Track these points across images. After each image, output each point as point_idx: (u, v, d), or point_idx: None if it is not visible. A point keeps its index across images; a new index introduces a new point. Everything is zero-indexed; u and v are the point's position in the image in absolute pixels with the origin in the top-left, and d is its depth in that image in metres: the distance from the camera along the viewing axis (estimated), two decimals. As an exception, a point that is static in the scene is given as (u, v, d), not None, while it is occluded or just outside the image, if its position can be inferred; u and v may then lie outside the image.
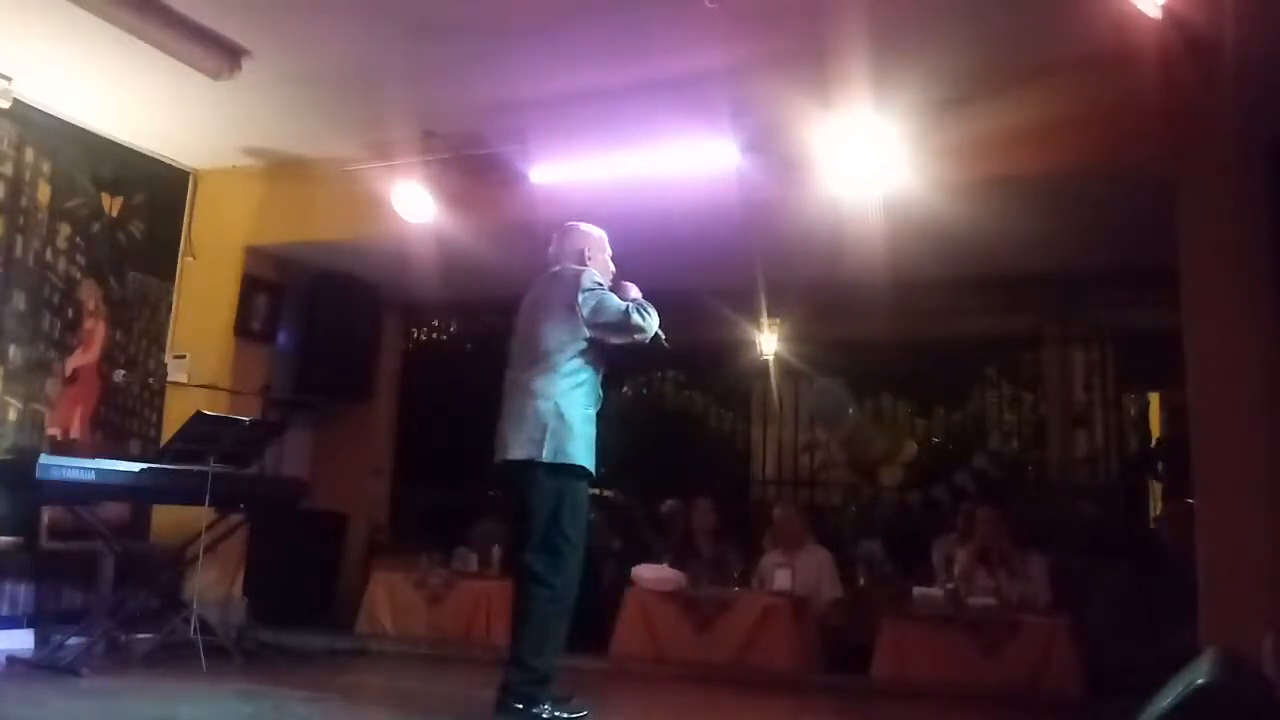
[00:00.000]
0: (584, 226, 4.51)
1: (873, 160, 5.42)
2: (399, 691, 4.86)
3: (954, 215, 5.70)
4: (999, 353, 8.89)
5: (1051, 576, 6.02)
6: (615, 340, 4.22)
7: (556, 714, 3.94)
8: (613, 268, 4.49)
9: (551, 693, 3.99)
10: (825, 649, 6.20)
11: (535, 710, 3.89)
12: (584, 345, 4.17)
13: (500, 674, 4.02)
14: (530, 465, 4.04)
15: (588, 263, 4.36)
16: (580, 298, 4.15)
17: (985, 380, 9.02)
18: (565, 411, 4.09)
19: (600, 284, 4.24)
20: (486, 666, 5.07)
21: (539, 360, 4.17)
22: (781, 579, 6.27)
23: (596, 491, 9.59)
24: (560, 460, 4.04)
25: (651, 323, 4.19)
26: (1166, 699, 2.55)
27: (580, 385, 4.17)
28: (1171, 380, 6.57)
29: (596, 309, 4.15)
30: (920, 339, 8.35)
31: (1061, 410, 8.46)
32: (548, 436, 4.04)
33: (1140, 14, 4.32)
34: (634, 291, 4.32)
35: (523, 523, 4.11)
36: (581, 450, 4.09)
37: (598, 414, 4.27)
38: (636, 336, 4.17)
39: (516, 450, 4.07)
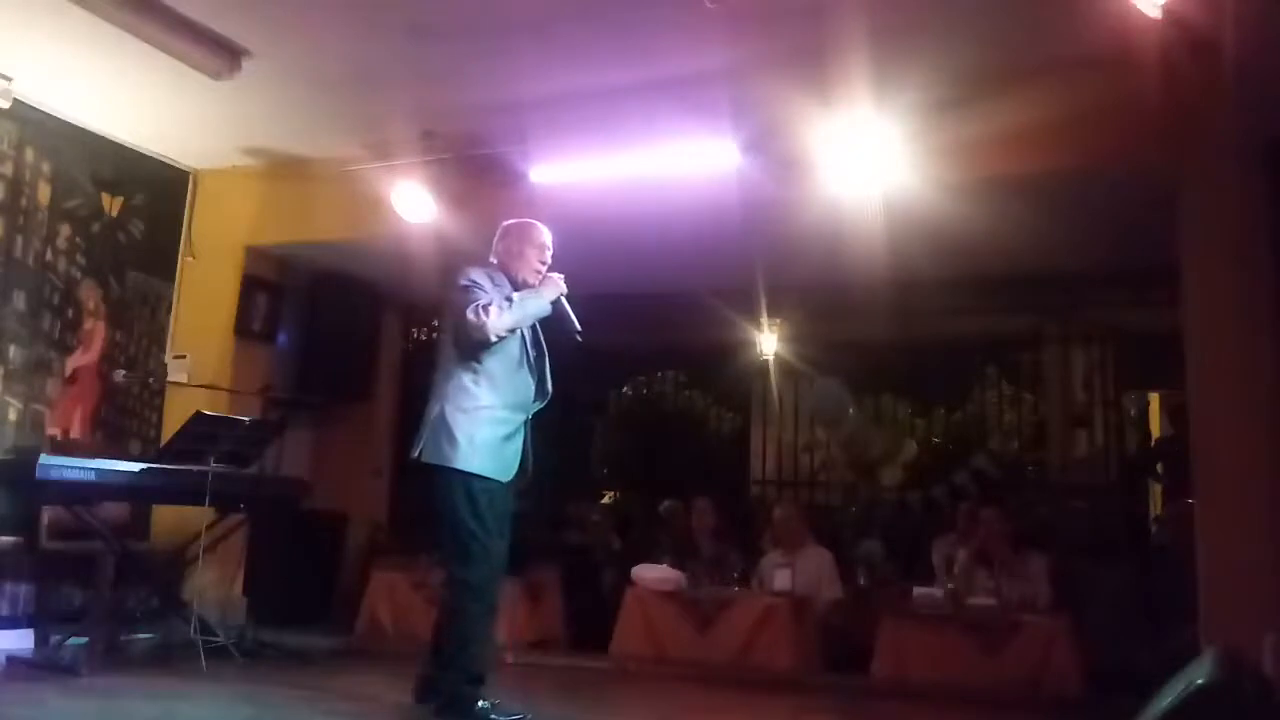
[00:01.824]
0: (515, 222, 4.34)
1: (873, 160, 5.41)
2: (399, 691, 4.85)
3: (954, 215, 5.69)
4: (999, 353, 8.89)
5: (1051, 576, 6.02)
6: (461, 339, 4.00)
7: (493, 717, 3.86)
8: (543, 263, 4.23)
9: (488, 693, 3.91)
10: (825, 649, 6.19)
11: (470, 709, 3.83)
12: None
13: (423, 671, 4.03)
14: (421, 465, 3.96)
15: (500, 257, 4.22)
16: (450, 295, 4.05)
17: (985, 380, 9.03)
18: (448, 412, 3.96)
19: (474, 281, 4.02)
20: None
21: (438, 360, 4.14)
22: (782, 579, 6.26)
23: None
24: (435, 461, 3.93)
25: (490, 324, 3.90)
26: (1167, 699, 2.54)
27: (471, 383, 4.00)
28: (1171, 380, 6.58)
29: (450, 304, 4.02)
30: (920, 339, 8.35)
31: (1061, 410, 8.46)
32: (427, 436, 3.98)
33: (1140, 14, 4.30)
34: (548, 293, 4.13)
35: (432, 521, 4.06)
36: (465, 453, 3.91)
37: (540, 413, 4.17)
38: (475, 336, 3.92)
39: (413, 448, 4.05)
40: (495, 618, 4.02)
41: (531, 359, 4.17)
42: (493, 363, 4.03)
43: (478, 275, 4.07)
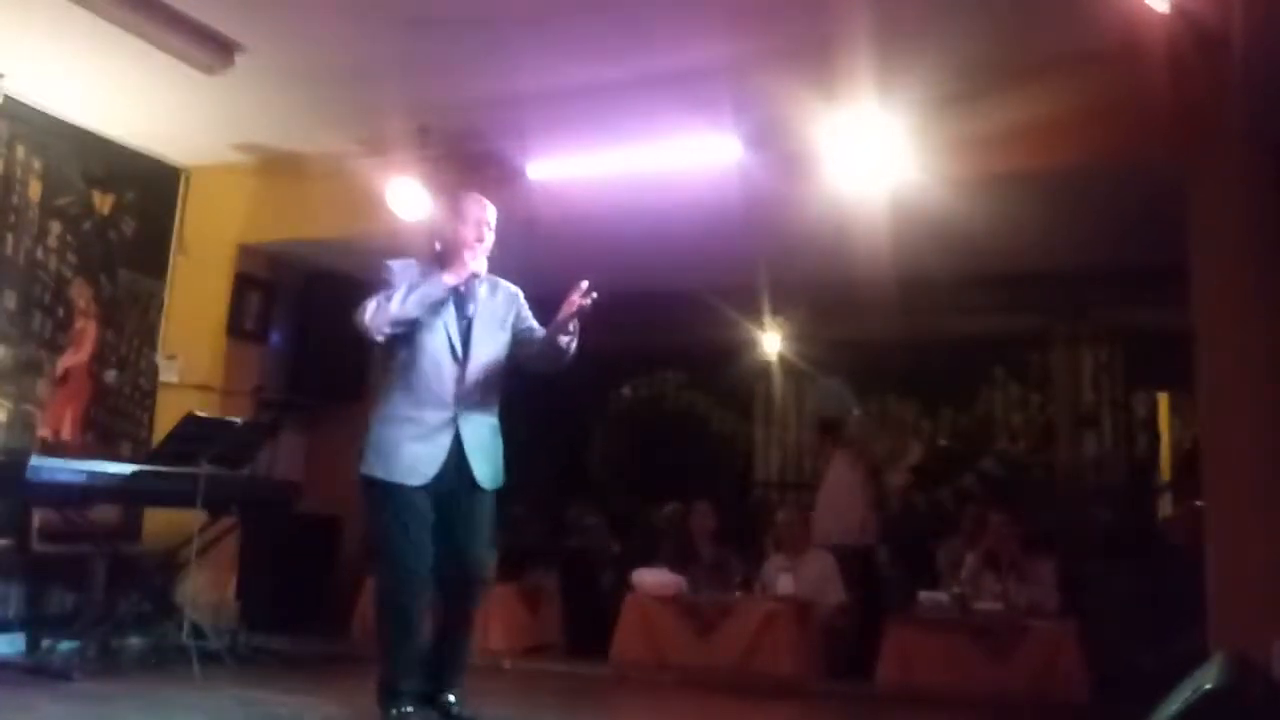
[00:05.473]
0: (452, 198, 4.09)
1: (877, 156, 5.36)
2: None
3: (960, 212, 5.64)
4: (1006, 353, 8.83)
5: (1060, 580, 5.96)
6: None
7: None
8: (477, 238, 3.88)
9: (406, 701, 3.75)
10: (829, 655, 6.16)
11: (390, 708, 3.74)
12: (387, 339, 3.83)
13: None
14: None
15: (441, 241, 3.94)
16: None
17: (992, 381, 8.97)
18: (371, 421, 3.90)
19: (385, 278, 3.82)
20: (481, 672, 5.01)
21: None
22: (785, 583, 6.23)
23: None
24: (360, 468, 3.87)
25: (366, 322, 3.72)
26: (1175, 704, 2.56)
27: (387, 388, 3.91)
28: (1181, 380, 6.51)
29: None
30: (926, 338, 8.31)
31: (1070, 411, 8.40)
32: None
33: (1147, 8, 4.30)
34: (450, 276, 3.82)
35: None
36: (369, 460, 3.83)
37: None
38: (366, 338, 3.82)
39: None
40: (405, 626, 3.79)
41: (458, 350, 3.86)
42: (407, 362, 3.85)
43: (396, 269, 3.88)
